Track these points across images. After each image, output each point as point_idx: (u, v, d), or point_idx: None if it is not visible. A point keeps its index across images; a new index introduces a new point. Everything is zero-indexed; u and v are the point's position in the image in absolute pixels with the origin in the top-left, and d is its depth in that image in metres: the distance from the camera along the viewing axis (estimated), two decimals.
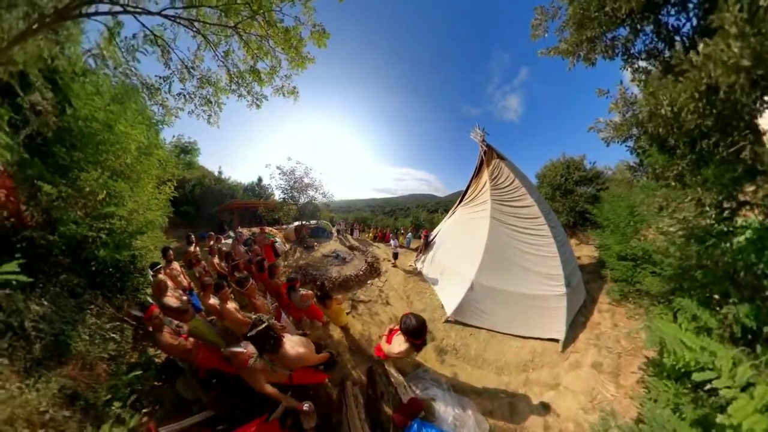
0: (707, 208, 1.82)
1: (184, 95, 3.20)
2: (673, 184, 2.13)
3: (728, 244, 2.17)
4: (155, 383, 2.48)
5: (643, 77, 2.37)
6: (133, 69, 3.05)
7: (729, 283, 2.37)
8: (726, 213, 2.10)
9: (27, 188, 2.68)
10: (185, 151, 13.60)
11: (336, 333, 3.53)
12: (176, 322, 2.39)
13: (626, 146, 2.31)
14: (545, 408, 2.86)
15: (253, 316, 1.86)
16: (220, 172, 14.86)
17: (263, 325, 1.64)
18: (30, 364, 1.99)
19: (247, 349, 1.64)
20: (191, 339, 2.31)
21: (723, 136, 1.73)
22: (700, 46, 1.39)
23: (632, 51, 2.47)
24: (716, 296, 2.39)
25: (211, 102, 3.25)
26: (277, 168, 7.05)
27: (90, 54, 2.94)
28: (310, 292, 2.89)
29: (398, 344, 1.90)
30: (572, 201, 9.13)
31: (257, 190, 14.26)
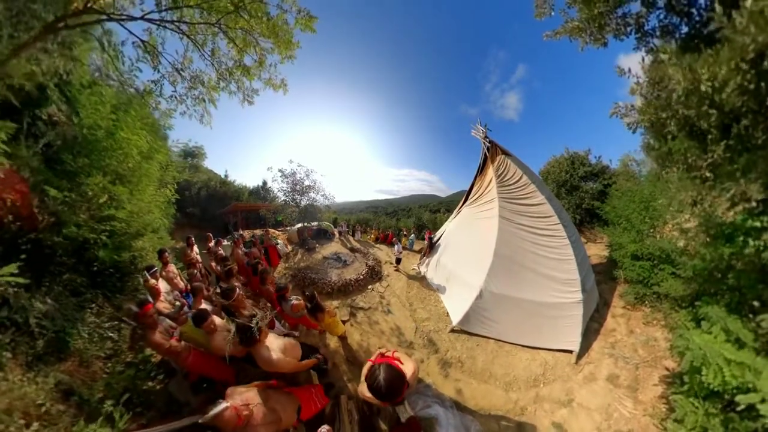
0: (753, 204, 1.52)
1: (176, 97, 3.10)
2: (707, 175, 1.81)
3: (762, 242, 1.84)
4: (149, 383, 2.45)
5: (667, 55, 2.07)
6: (134, 77, 3.13)
7: (763, 286, 2.03)
8: (759, 206, 1.78)
9: (38, 193, 2.83)
10: (191, 155, 13.85)
11: (332, 342, 3.35)
12: (173, 323, 2.37)
13: (647, 132, 2.01)
14: (557, 429, 2.60)
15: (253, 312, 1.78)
16: (226, 176, 15.16)
17: (252, 321, 1.64)
18: (31, 358, 2.06)
19: (233, 400, 1.38)
20: (183, 342, 2.28)
21: (759, 117, 1.44)
22: (748, 2, 1.13)
23: (646, 28, 2.19)
24: (754, 302, 2.06)
25: (204, 101, 3.16)
26: (279, 171, 7.07)
27: (89, 65, 3.10)
28: (301, 302, 2.70)
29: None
30: (578, 198, 8.65)
31: (262, 193, 14.44)
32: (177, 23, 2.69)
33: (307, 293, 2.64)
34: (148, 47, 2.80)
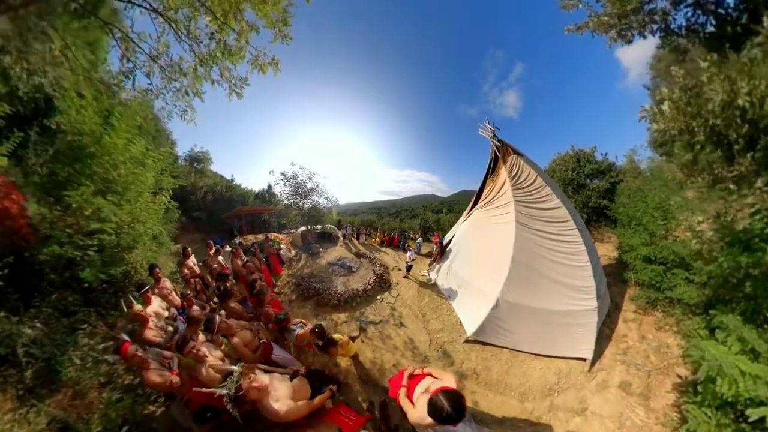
0: None
1: (152, 90, 2.65)
2: (731, 187, 1.82)
3: None
4: (150, 407, 2.40)
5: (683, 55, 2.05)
6: (125, 78, 2.76)
7: None
8: None
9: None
10: (197, 160, 14.23)
11: (343, 361, 3.27)
12: (166, 353, 2.15)
13: (677, 140, 2.00)
14: None
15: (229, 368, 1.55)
16: (232, 179, 15.55)
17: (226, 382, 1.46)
18: (22, 392, 1.95)
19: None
20: (184, 372, 2.03)
21: None
22: None
23: (672, 26, 2.17)
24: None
25: (187, 94, 2.67)
26: (281, 174, 6.98)
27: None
28: (307, 330, 2.47)
29: (422, 413, 1.40)
30: (585, 196, 8.61)
31: (267, 196, 14.51)
32: None
33: (317, 330, 2.33)
34: (115, 32, 2.39)
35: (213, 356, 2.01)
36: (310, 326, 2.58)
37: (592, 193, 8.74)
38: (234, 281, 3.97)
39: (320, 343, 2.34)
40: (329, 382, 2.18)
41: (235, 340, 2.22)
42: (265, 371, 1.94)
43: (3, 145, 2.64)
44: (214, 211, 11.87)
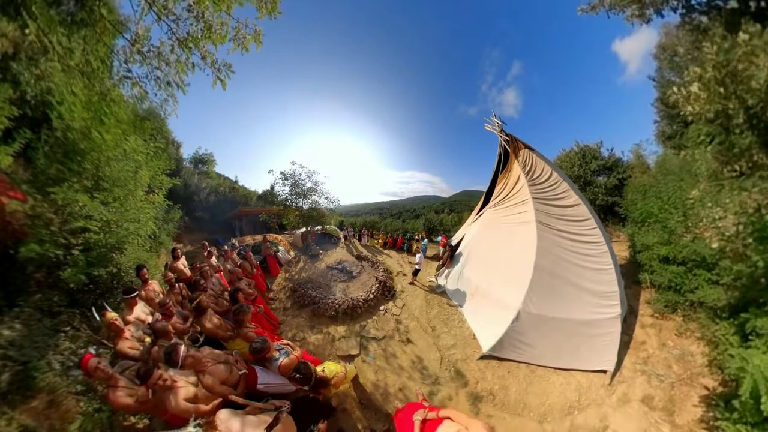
0: None
1: (129, 79, 2.38)
2: None
3: None
4: (131, 419, 2.25)
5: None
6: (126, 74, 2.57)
7: None
8: None
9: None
10: (201, 161, 14.52)
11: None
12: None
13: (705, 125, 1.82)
14: None
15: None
16: (235, 180, 15.91)
17: None
18: None
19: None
20: (158, 393, 1.68)
21: None
22: None
23: (692, 2, 2.03)
24: None
25: (170, 84, 2.44)
26: (281, 173, 6.89)
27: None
28: (294, 358, 2.09)
29: None
30: (592, 193, 8.35)
31: (269, 197, 14.65)
32: None
33: (299, 376, 1.84)
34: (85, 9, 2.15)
35: (186, 381, 1.67)
36: (298, 352, 2.23)
37: (599, 190, 8.51)
38: (227, 287, 3.73)
39: (306, 388, 1.92)
40: (321, 410, 1.91)
41: (207, 380, 1.74)
42: (241, 403, 1.69)
43: (10, 146, 2.77)
44: (217, 212, 12.03)
